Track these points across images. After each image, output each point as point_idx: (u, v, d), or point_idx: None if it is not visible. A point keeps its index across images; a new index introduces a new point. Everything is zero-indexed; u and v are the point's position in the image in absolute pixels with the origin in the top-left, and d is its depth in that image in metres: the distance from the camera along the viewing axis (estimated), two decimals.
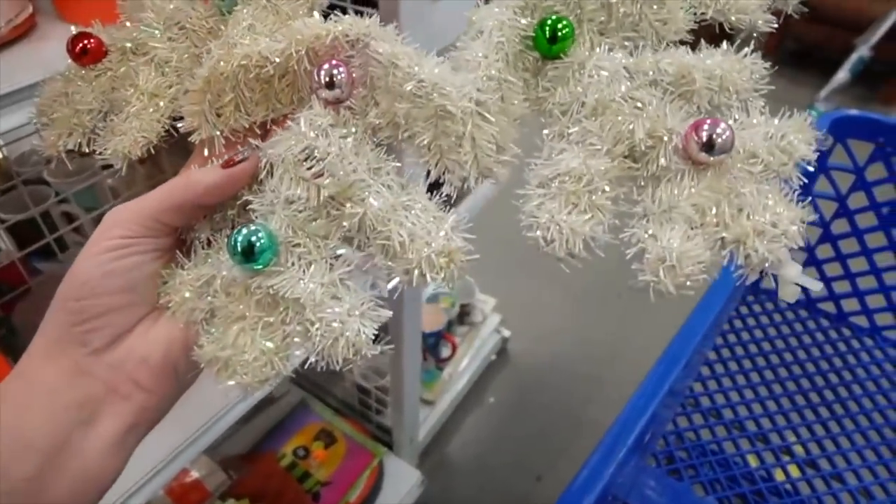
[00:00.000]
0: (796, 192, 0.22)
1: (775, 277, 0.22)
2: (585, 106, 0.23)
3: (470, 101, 0.22)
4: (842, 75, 2.18)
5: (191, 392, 0.26)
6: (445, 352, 1.16)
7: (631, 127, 0.22)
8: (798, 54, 2.55)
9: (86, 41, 0.28)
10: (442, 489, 1.07)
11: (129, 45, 0.28)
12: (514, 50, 0.25)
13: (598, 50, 0.25)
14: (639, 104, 0.23)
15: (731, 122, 0.23)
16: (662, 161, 0.21)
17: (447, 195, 0.24)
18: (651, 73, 0.23)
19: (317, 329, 0.21)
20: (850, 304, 0.81)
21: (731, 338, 0.79)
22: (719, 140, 0.21)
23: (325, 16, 0.27)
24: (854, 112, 0.73)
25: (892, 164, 0.72)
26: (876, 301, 0.79)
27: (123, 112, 0.28)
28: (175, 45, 0.28)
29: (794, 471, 0.66)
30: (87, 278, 0.22)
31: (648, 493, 0.60)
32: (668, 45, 0.25)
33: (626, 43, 0.25)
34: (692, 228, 0.21)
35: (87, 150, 0.28)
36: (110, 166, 0.69)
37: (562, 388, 1.25)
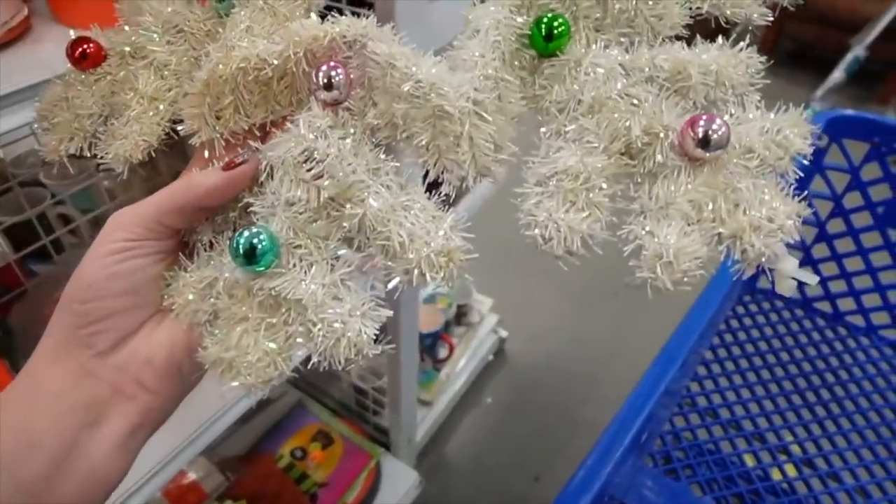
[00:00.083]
0: (792, 187, 0.22)
1: (772, 272, 0.22)
2: (582, 104, 0.23)
3: (467, 101, 0.22)
4: (837, 75, 2.18)
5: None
6: (443, 352, 1.16)
7: (627, 124, 0.22)
8: (794, 54, 2.56)
9: (85, 46, 0.28)
10: (439, 490, 1.07)
11: (127, 49, 0.29)
12: (510, 48, 0.25)
13: (594, 47, 0.25)
14: (635, 101, 0.23)
15: (726, 117, 0.23)
16: (659, 157, 0.22)
17: (446, 195, 0.24)
18: (647, 69, 0.23)
19: (319, 330, 0.22)
20: (846, 304, 0.81)
21: (728, 337, 0.79)
22: (715, 136, 0.21)
23: (323, 17, 0.27)
24: (849, 112, 0.73)
25: (887, 163, 0.73)
26: (872, 300, 0.79)
27: (123, 116, 0.28)
28: (174, 49, 0.28)
29: (790, 470, 0.66)
30: (92, 281, 0.23)
31: (646, 493, 0.60)
32: (663, 40, 0.25)
33: (622, 39, 0.25)
34: (689, 224, 0.21)
35: (87, 154, 0.29)
36: (107, 168, 0.69)
37: (559, 388, 1.25)
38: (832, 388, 0.73)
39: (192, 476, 0.90)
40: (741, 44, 0.24)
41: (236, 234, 0.22)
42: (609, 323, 1.35)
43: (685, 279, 0.20)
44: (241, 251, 0.22)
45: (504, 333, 1.30)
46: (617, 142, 0.22)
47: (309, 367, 0.23)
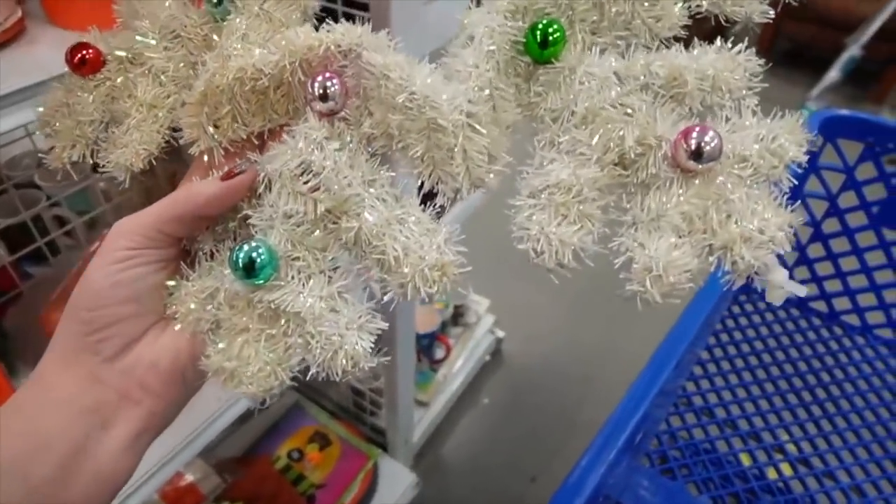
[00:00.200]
0: (786, 196, 0.22)
1: (762, 282, 0.22)
2: (575, 115, 0.23)
3: (461, 114, 0.22)
4: (833, 74, 2.19)
5: None
6: (439, 353, 1.16)
7: (621, 134, 0.22)
8: (790, 54, 2.57)
9: (84, 52, 0.28)
10: (437, 490, 1.07)
11: (125, 54, 0.29)
12: (505, 57, 0.25)
13: (589, 52, 0.25)
14: (629, 110, 0.23)
15: (722, 123, 0.23)
16: (652, 169, 0.22)
17: (441, 206, 0.24)
18: (642, 76, 0.23)
19: (317, 342, 0.22)
20: (842, 303, 0.82)
21: (724, 337, 0.79)
22: (707, 148, 0.21)
23: (320, 20, 0.28)
24: (843, 112, 0.73)
25: (882, 163, 0.73)
26: (867, 300, 0.80)
27: (124, 124, 0.28)
28: (171, 55, 0.28)
29: (786, 469, 0.66)
30: (97, 289, 0.23)
31: (642, 493, 0.60)
32: (661, 42, 0.25)
33: (619, 42, 0.25)
34: (680, 237, 0.21)
35: (90, 161, 0.29)
36: (109, 176, 0.69)
37: (556, 388, 1.25)
38: (828, 387, 0.74)
39: (189, 478, 0.90)
40: (739, 45, 0.23)
41: (236, 248, 0.23)
42: (606, 323, 1.35)
43: (674, 292, 0.20)
44: (241, 265, 0.22)
45: (501, 334, 1.30)
46: (610, 153, 0.22)
47: (308, 377, 0.23)
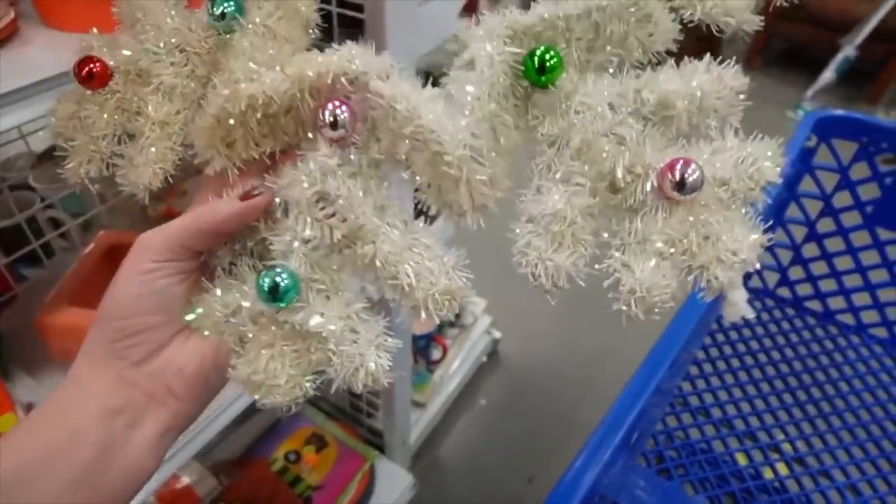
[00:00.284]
0: (760, 217, 0.23)
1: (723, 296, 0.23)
2: (571, 146, 0.25)
3: (465, 149, 0.23)
4: (828, 75, 2.20)
5: None
6: (436, 354, 1.16)
7: (612, 164, 0.24)
8: (786, 54, 2.58)
9: (91, 65, 0.28)
10: (434, 491, 1.07)
11: (132, 68, 0.29)
12: (505, 83, 0.26)
13: (584, 78, 0.26)
14: (620, 139, 0.24)
15: (706, 146, 0.24)
16: (640, 196, 0.23)
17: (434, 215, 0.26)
18: (634, 102, 0.24)
19: (339, 359, 0.24)
20: (837, 302, 0.82)
21: (720, 337, 0.80)
22: (690, 179, 0.22)
23: (323, 31, 0.29)
24: (837, 112, 0.74)
25: (876, 163, 0.73)
26: (861, 299, 0.80)
27: (138, 143, 0.29)
28: (178, 70, 0.29)
29: (782, 468, 0.66)
30: (124, 301, 0.25)
31: (638, 493, 0.60)
32: (653, 57, 0.26)
33: (612, 58, 0.26)
34: (663, 259, 0.23)
35: (107, 174, 0.30)
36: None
37: (553, 389, 1.25)
38: (823, 387, 0.74)
39: (185, 480, 0.89)
40: (727, 62, 0.24)
41: (262, 273, 0.24)
42: (603, 324, 1.35)
43: (656, 310, 0.22)
44: (266, 289, 0.24)
45: (498, 335, 1.30)
46: (602, 181, 0.24)
47: (332, 391, 0.24)
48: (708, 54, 0.24)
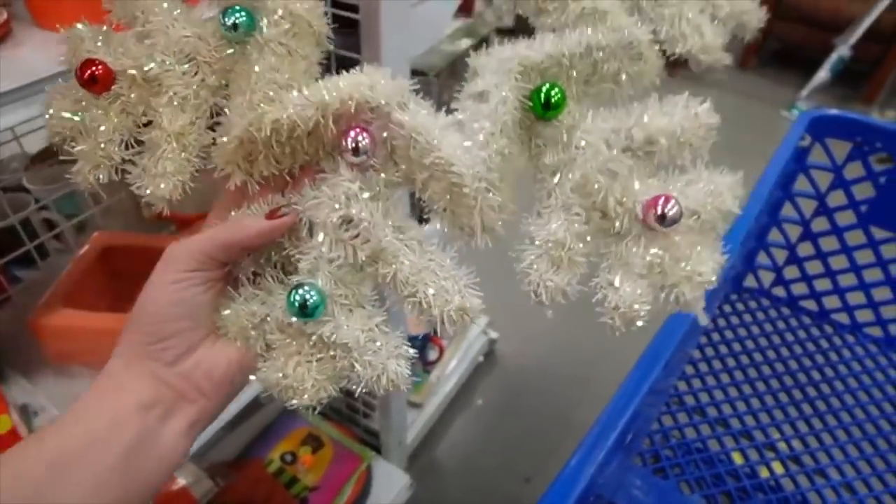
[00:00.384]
0: (721, 243, 0.28)
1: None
2: (572, 179, 0.28)
3: (480, 182, 0.26)
4: (822, 74, 2.21)
5: None
6: (433, 354, 1.16)
7: (605, 196, 0.27)
8: (780, 54, 2.59)
9: (94, 68, 0.28)
10: (431, 492, 1.07)
11: (137, 72, 0.29)
12: (515, 118, 0.28)
13: (582, 111, 0.29)
14: (613, 174, 0.27)
15: (682, 177, 0.28)
16: (626, 224, 0.27)
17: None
18: (625, 139, 0.28)
19: (362, 368, 0.26)
20: (832, 302, 0.82)
21: (715, 336, 0.80)
22: (670, 214, 0.26)
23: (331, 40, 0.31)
24: (831, 112, 0.74)
25: (870, 162, 0.73)
26: (856, 298, 0.80)
27: (154, 155, 0.29)
28: (188, 81, 0.30)
29: (777, 468, 0.66)
30: (156, 308, 0.28)
31: (635, 493, 0.60)
32: (640, 90, 0.30)
33: (605, 90, 0.29)
34: (642, 279, 0.26)
35: (116, 179, 0.30)
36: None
37: (550, 389, 1.25)
38: (818, 386, 0.74)
39: (180, 482, 0.89)
40: (700, 99, 0.28)
41: (291, 291, 0.26)
42: (600, 324, 1.35)
43: (638, 323, 0.26)
44: (297, 306, 0.26)
45: (494, 335, 1.30)
46: (596, 210, 0.27)
47: (357, 396, 0.25)
48: (686, 92, 0.28)
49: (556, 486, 0.34)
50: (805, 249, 0.82)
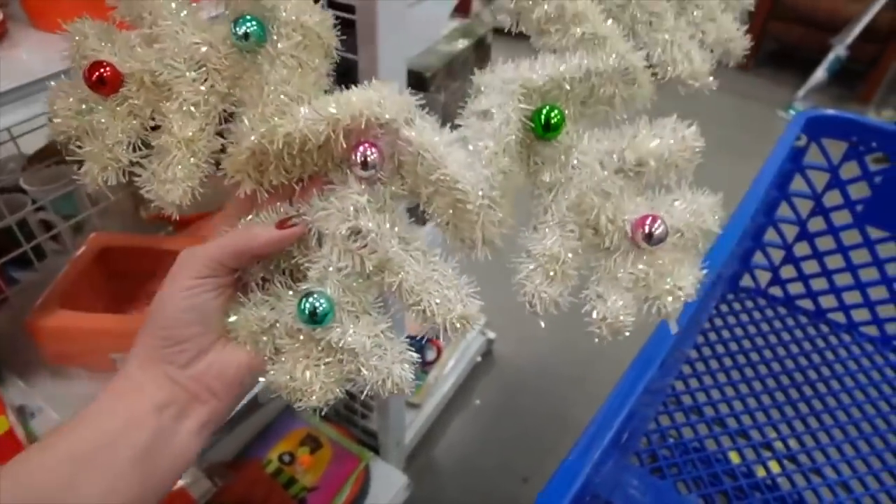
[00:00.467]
0: (701, 260, 0.30)
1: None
2: (568, 198, 0.29)
3: (483, 199, 0.28)
4: (819, 74, 2.21)
5: None
6: (430, 355, 1.16)
7: (598, 214, 0.29)
8: (777, 54, 2.59)
9: (102, 70, 0.28)
10: (429, 492, 1.07)
11: (146, 76, 0.29)
12: (517, 138, 0.29)
13: (579, 132, 0.30)
14: (606, 194, 0.29)
15: (668, 197, 0.29)
16: (616, 242, 0.29)
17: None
18: (617, 161, 0.29)
19: (368, 372, 0.28)
20: (828, 301, 0.82)
21: (712, 336, 0.80)
22: (656, 233, 0.28)
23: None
24: (827, 112, 0.74)
25: (865, 162, 0.74)
26: (852, 297, 0.80)
27: (164, 160, 0.30)
28: (199, 87, 0.30)
29: (774, 467, 0.67)
30: (169, 313, 0.29)
31: (632, 493, 0.60)
32: (633, 111, 0.31)
33: (600, 111, 0.31)
34: (628, 291, 0.28)
35: (123, 181, 0.31)
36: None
37: (547, 389, 1.26)
38: (814, 385, 0.74)
39: (179, 482, 0.89)
40: (687, 123, 0.30)
41: (302, 299, 0.28)
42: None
43: (622, 332, 0.28)
44: (307, 313, 0.27)
45: (492, 335, 1.30)
46: (588, 226, 0.29)
47: (363, 399, 0.26)
48: (675, 115, 0.30)
49: (551, 485, 0.34)
50: (801, 249, 0.83)
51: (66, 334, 0.58)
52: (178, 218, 0.31)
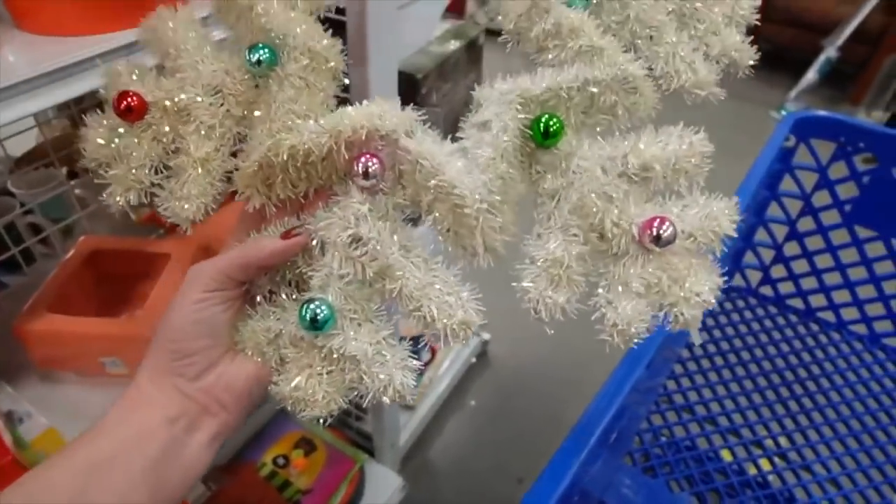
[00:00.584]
0: (719, 265, 0.29)
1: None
2: (569, 202, 0.29)
3: (482, 203, 0.28)
4: (811, 76, 2.23)
5: None
6: (425, 356, 1.16)
7: (602, 218, 0.28)
8: (770, 56, 2.61)
9: (129, 99, 0.31)
10: (424, 493, 1.07)
11: (168, 103, 0.32)
12: (515, 144, 0.30)
13: (581, 139, 0.30)
14: (609, 197, 0.29)
15: (678, 202, 0.29)
16: (623, 246, 0.28)
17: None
18: (621, 166, 0.29)
19: (370, 379, 0.28)
20: (818, 300, 0.83)
21: (703, 335, 0.80)
22: (665, 235, 0.27)
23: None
24: (815, 112, 0.75)
25: (853, 162, 0.74)
26: (841, 296, 0.81)
27: (181, 179, 0.32)
28: (215, 111, 0.32)
29: (765, 464, 0.67)
30: (179, 326, 0.29)
31: (624, 492, 0.61)
32: (637, 120, 0.31)
33: (603, 121, 0.31)
34: (640, 297, 0.27)
35: (145, 202, 0.33)
36: (76, 175, 0.68)
37: (542, 390, 1.26)
38: (804, 383, 0.75)
39: None
40: (695, 129, 0.29)
41: (303, 305, 0.28)
42: (592, 325, 1.35)
43: (634, 340, 0.27)
44: (308, 320, 0.28)
45: (487, 336, 1.30)
46: (593, 231, 0.28)
47: (364, 406, 0.26)
48: (681, 123, 0.29)
49: (538, 484, 0.34)
50: (791, 249, 0.83)
51: (56, 338, 0.58)
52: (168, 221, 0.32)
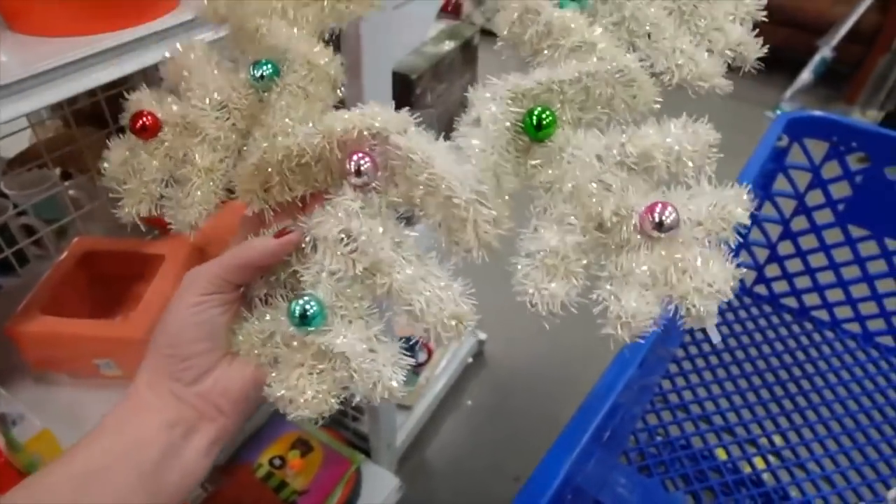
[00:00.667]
0: (731, 252, 0.27)
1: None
2: (563, 191, 0.28)
3: (472, 193, 0.27)
4: (805, 76, 2.24)
5: None
6: (421, 356, 1.16)
7: (599, 207, 0.27)
8: (765, 56, 2.62)
9: (144, 119, 0.33)
10: (421, 493, 1.07)
11: (179, 121, 0.33)
12: (507, 137, 0.29)
13: (576, 132, 0.29)
14: (607, 185, 0.28)
15: (685, 192, 0.27)
16: (624, 234, 0.27)
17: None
18: (618, 156, 0.28)
19: (359, 377, 0.27)
20: (812, 299, 0.83)
21: (699, 334, 0.81)
22: (667, 220, 0.25)
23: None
24: (809, 112, 0.75)
25: (846, 161, 0.75)
26: (835, 295, 0.81)
27: (186, 187, 0.33)
28: (221, 124, 0.33)
29: (759, 462, 0.67)
30: (176, 331, 0.29)
31: (619, 491, 0.61)
32: (638, 115, 0.30)
33: (602, 116, 0.30)
34: (646, 289, 0.26)
35: (156, 214, 0.34)
36: (69, 176, 0.68)
37: (538, 389, 1.26)
38: (799, 382, 0.75)
39: None
40: (700, 120, 0.28)
41: (292, 301, 0.28)
42: (587, 324, 1.35)
43: (640, 334, 0.25)
44: (297, 315, 0.27)
45: (483, 336, 1.30)
46: (592, 221, 0.27)
47: (353, 405, 0.26)
48: (684, 114, 0.28)
49: (531, 482, 0.34)
50: (785, 248, 0.83)
51: (49, 340, 0.58)
52: (163, 223, 0.33)
